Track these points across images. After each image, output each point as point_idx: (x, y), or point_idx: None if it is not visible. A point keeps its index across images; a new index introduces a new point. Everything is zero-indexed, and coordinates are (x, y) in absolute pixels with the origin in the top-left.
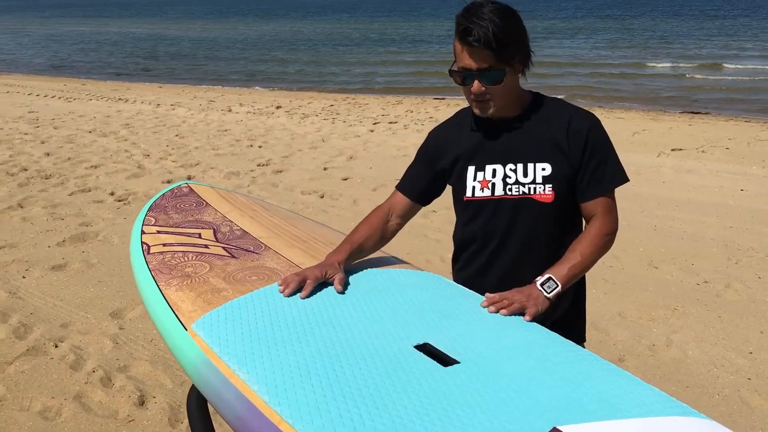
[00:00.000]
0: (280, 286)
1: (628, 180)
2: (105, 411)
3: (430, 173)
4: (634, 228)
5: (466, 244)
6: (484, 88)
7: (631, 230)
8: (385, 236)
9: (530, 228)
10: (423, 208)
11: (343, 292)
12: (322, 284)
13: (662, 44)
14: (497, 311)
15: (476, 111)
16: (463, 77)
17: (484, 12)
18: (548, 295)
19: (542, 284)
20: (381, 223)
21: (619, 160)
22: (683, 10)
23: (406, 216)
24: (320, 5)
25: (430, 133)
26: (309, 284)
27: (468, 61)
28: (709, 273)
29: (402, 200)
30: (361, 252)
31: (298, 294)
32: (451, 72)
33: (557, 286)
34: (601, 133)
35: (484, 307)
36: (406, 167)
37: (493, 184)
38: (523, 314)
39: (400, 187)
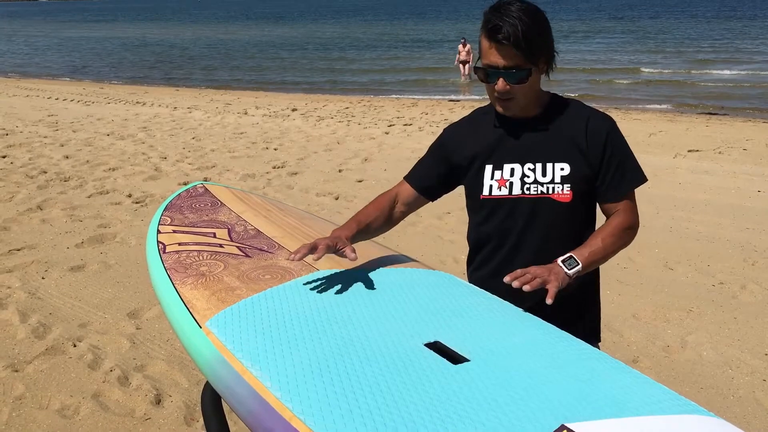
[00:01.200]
0: (291, 255)
1: (647, 180)
2: (122, 409)
3: (441, 169)
4: (650, 229)
5: (481, 243)
6: (508, 87)
7: (646, 231)
8: (391, 220)
9: (547, 228)
10: (436, 209)
11: (356, 259)
12: (334, 282)
13: (678, 46)
14: (521, 286)
15: (499, 109)
16: (487, 74)
17: (512, 10)
18: (569, 272)
19: (563, 261)
20: (388, 206)
21: (636, 160)
22: (698, 11)
23: (411, 206)
24: (334, 8)
25: (445, 130)
26: (321, 249)
27: (494, 59)
28: (724, 274)
29: (407, 189)
30: (367, 232)
31: (311, 292)
32: (476, 69)
33: (578, 264)
34: (619, 135)
35: (507, 282)
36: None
37: (511, 183)
38: (545, 290)
39: (407, 178)
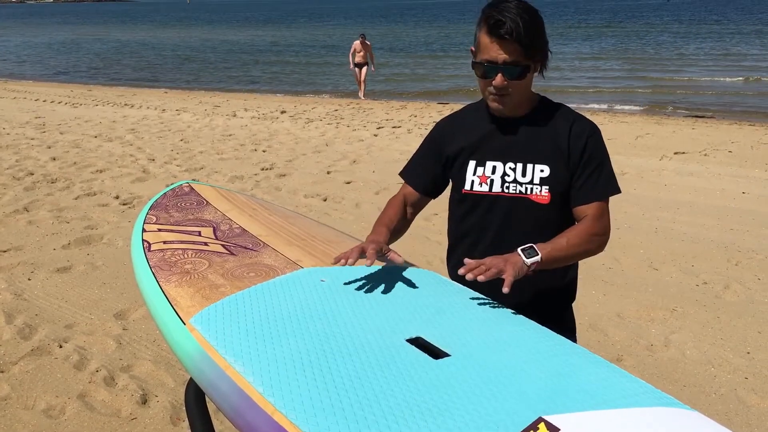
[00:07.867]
0: (339, 260)
1: (620, 192)
2: (108, 410)
3: (437, 168)
4: (635, 230)
5: (461, 239)
6: (506, 82)
7: (632, 232)
8: (407, 221)
9: (524, 228)
10: (424, 210)
11: (403, 262)
12: (318, 279)
13: (664, 50)
14: (475, 278)
15: (493, 106)
16: (486, 70)
17: (512, 7)
18: (527, 261)
19: (523, 250)
20: (402, 207)
21: (613, 171)
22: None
23: (417, 206)
24: (326, 12)
25: (437, 124)
26: (371, 253)
27: (495, 54)
28: (708, 274)
29: (411, 192)
30: (395, 234)
31: (294, 289)
32: (474, 64)
33: (537, 255)
34: (600, 142)
35: (461, 274)
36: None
37: (492, 180)
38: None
39: (408, 181)
